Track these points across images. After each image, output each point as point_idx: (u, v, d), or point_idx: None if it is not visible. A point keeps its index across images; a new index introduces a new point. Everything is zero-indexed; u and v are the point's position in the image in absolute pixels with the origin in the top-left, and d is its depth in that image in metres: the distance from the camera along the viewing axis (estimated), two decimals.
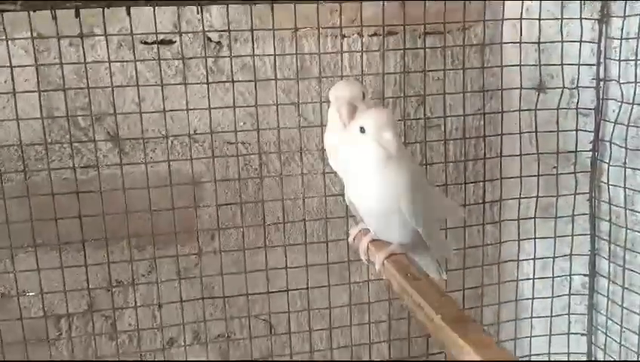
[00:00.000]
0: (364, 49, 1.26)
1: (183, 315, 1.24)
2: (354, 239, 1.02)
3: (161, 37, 1.19)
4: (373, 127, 0.81)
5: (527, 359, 1.39)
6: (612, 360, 1.28)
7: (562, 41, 1.21)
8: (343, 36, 1.20)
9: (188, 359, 1.27)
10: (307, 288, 1.25)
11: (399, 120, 1.27)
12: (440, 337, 0.72)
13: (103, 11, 1.05)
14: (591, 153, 1.27)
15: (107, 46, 1.08)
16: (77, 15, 1.00)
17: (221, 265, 1.21)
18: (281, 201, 1.25)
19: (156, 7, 1.08)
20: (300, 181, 1.29)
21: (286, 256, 1.23)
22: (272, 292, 1.25)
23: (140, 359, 1.25)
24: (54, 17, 1.01)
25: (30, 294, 1.19)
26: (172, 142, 1.24)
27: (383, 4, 1.10)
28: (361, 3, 1.13)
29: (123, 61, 1.18)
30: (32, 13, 1.04)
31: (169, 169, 1.16)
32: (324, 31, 1.23)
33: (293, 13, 1.10)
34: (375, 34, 1.28)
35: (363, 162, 0.84)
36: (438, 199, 1.03)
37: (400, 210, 0.85)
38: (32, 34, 1.07)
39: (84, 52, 1.08)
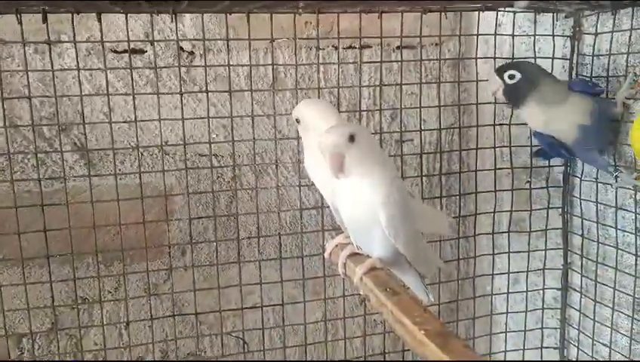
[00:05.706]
0: (339, 62, 1.25)
1: (153, 333, 1.20)
2: (330, 254, 1.01)
3: (131, 46, 1.16)
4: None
5: None
6: None
7: (535, 58, 1.22)
8: (318, 48, 1.18)
9: None
10: (282, 304, 1.22)
11: (373, 133, 1.26)
12: (423, 353, 0.71)
13: (72, 17, 1.01)
14: (563, 168, 1.28)
15: (76, 53, 1.04)
16: (44, 20, 0.96)
17: (194, 281, 1.17)
18: (253, 215, 1.22)
19: (128, 15, 1.05)
20: (274, 194, 1.27)
21: (260, 271, 1.20)
22: (246, 308, 1.22)
23: None
24: (20, 22, 0.97)
25: None
26: (142, 153, 1.20)
27: (360, 16, 1.09)
28: (338, 15, 1.11)
29: (93, 69, 1.15)
30: None
31: (140, 181, 1.13)
32: (299, 43, 1.22)
33: (269, 23, 1.08)
34: (350, 47, 1.28)
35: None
36: (422, 212, 1.01)
37: (379, 223, 0.84)
38: None
39: (51, 59, 1.04)
